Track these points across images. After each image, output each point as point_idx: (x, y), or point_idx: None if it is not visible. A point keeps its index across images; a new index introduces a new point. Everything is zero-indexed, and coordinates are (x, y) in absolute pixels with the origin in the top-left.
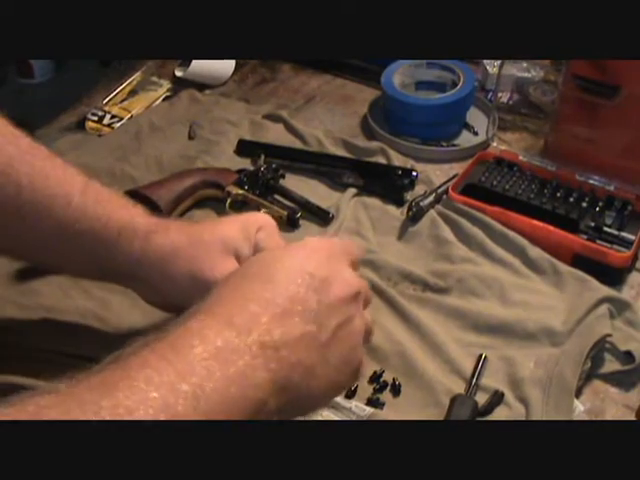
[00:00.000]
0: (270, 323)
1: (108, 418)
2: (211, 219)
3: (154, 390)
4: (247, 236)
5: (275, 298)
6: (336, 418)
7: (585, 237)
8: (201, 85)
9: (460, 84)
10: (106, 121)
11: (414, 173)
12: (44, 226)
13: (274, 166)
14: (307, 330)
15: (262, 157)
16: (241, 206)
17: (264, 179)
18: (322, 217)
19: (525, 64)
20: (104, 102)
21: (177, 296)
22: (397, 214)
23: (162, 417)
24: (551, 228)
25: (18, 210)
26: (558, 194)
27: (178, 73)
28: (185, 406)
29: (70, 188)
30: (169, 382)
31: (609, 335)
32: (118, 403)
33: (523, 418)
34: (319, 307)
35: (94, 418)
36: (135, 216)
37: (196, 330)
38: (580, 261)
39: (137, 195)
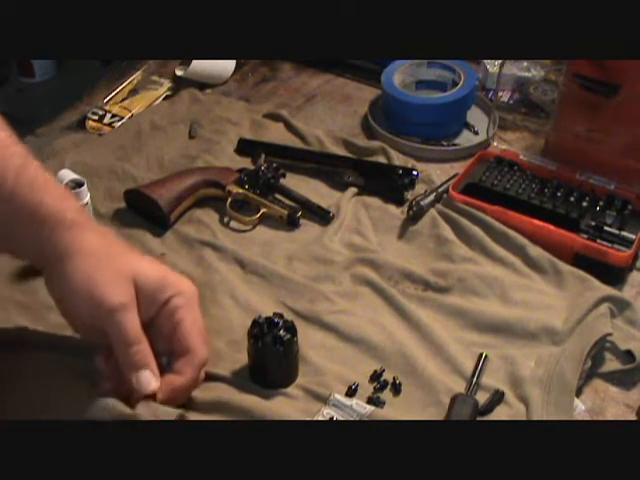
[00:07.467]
0: None
1: None
2: (210, 218)
3: None
4: (161, 288)
5: None
6: (337, 416)
7: (586, 236)
8: (202, 84)
9: (461, 83)
10: (106, 120)
11: (414, 172)
12: None
13: (275, 165)
14: None
15: (263, 156)
16: (241, 205)
17: (265, 178)
18: (322, 216)
19: (526, 63)
20: (105, 101)
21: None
22: (397, 213)
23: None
24: (551, 227)
25: None
26: (559, 193)
27: (179, 72)
28: None
29: (6, 166)
30: None
31: (609, 334)
32: None
33: (524, 417)
34: None
35: None
36: (66, 210)
37: None
38: (580, 260)
39: (138, 194)
